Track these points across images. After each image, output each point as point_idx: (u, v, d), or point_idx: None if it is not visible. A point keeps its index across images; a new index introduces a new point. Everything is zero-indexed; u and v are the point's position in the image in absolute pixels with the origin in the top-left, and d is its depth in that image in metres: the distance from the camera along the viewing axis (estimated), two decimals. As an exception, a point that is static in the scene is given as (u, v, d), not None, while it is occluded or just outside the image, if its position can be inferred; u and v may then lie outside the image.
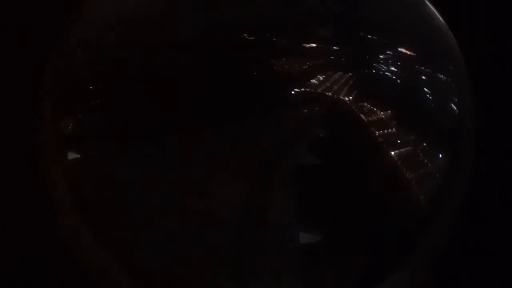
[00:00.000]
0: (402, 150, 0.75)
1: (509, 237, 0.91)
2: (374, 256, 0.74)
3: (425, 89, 0.77)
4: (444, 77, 0.79)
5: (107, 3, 0.80)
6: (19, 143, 0.85)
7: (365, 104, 0.75)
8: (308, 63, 0.75)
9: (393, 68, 0.76)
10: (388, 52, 0.77)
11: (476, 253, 0.90)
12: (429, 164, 0.76)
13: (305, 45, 0.75)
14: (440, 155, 0.77)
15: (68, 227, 0.75)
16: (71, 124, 0.76)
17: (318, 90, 0.74)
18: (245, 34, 0.74)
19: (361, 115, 0.75)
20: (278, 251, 0.73)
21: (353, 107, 0.75)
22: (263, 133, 0.74)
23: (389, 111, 0.75)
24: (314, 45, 0.75)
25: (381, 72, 0.76)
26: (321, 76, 0.74)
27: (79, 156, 0.75)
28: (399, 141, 0.75)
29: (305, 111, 0.74)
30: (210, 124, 0.73)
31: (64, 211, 0.75)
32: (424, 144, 0.76)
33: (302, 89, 0.74)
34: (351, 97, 0.74)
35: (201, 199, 0.73)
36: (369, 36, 0.76)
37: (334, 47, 0.76)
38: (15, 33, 0.93)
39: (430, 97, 0.78)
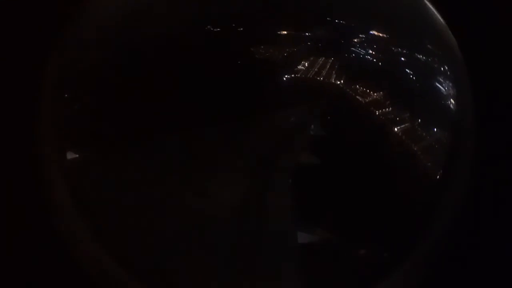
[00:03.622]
0: (403, 126, 0.76)
1: (509, 237, 0.91)
2: (374, 255, 0.74)
3: (407, 70, 0.78)
4: (424, 57, 0.80)
5: (106, 2, 0.80)
6: (19, 143, 0.85)
7: (357, 86, 0.76)
8: (288, 50, 0.75)
9: (370, 51, 0.77)
10: (361, 36, 0.77)
11: (476, 253, 0.90)
12: (428, 137, 0.77)
13: (278, 32, 0.75)
14: (435, 129, 0.78)
15: (67, 227, 0.75)
16: (71, 125, 0.76)
17: (309, 75, 0.75)
18: (209, 26, 0.74)
19: (357, 97, 0.75)
20: (278, 251, 0.73)
21: (348, 90, 0.75)
22: (263, 132, 0.74)
23: (381, 92, 0.76)
24: (285, 32, 0.75)
25: (361, 56, 0.76)
26: (305, 62, 0.75)
27: (79, 156, 0.75)
28: (398, 119, 0.76)
29: (303, 100, 0.75)
30: (210, 124, 0.73)
31: (63, 211, 0.75)
32: (419, 120, 0.77)
33: (292, 75, 0.75)
34: (342, 81, 0.75)
35: (201, 199, 0.73)
36: (336, 21, 0.77)
37: (306, 33, 0.76)
38: (15, 33, 0.93)
39: (413, 77, 0.78)
